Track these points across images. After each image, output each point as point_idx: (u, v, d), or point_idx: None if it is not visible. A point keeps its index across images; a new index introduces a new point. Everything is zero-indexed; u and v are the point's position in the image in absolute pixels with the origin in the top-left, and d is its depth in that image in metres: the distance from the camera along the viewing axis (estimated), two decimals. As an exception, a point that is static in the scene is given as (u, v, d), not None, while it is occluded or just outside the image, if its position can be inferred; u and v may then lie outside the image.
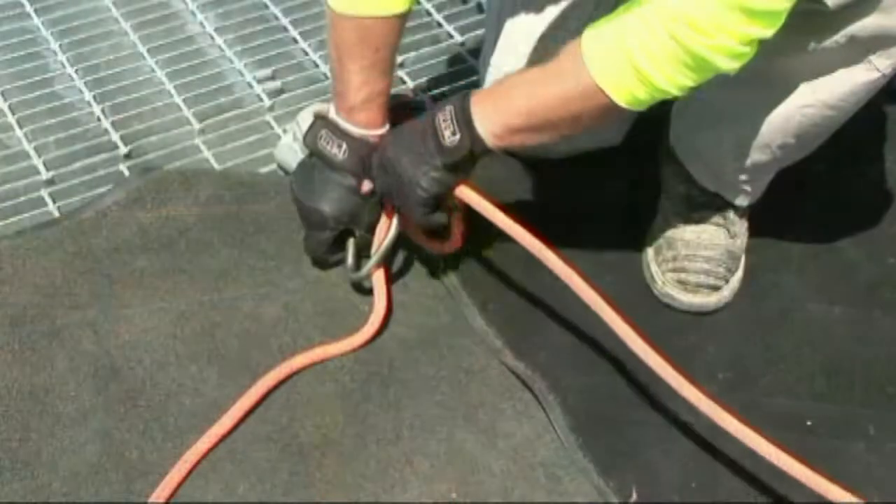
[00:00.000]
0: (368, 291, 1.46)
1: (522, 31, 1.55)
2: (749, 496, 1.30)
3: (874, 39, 1.21)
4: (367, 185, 1.39)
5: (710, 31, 1.09)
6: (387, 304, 1.43)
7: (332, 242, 1.45)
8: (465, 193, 1.34)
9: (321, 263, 1.49)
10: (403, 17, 1.34)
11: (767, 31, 1.11)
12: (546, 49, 1.54)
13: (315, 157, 1.42)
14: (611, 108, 1.19)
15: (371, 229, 1.43)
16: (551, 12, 1.52)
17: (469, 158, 1.30)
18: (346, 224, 1.42)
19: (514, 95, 1.26)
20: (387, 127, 1.41)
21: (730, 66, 1.13)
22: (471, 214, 1.39)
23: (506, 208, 1.34)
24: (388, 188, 1.35)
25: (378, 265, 1.43)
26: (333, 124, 1.40)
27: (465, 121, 1.27)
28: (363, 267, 1.44)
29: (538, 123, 1.25)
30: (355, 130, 1.39)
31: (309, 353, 1.40)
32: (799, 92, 1.30)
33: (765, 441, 1.23)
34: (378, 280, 1.44)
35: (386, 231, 1.42)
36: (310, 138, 1.42)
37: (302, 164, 1.46)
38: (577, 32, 1.50)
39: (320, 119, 1.42)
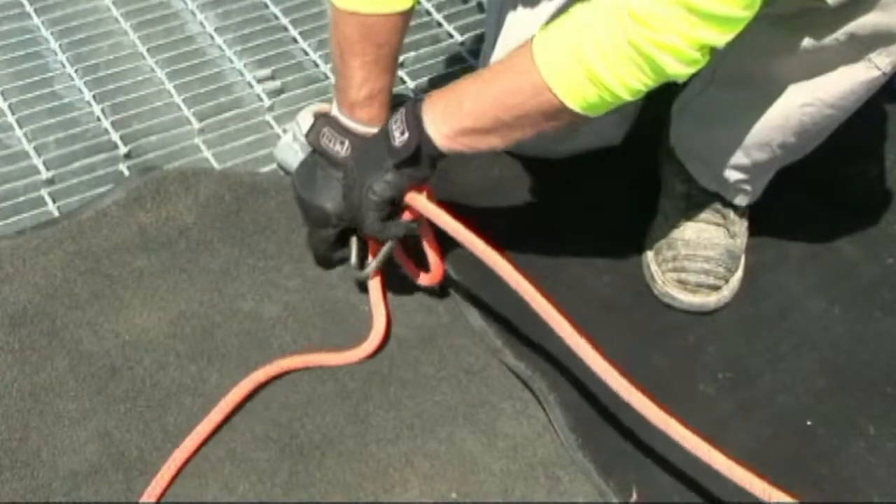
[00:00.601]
0: (366, 290, 1.46)
1: (522, 31, 1.55)
2: (748, 496, 1.30)
3: (874, 37, 1.21)
4: None
5: (660, 27, 1.07)
6: (386, 322, 1.43)
7: (334, 240, 1.44)
8: (415, 200, 1.32)
9: (324, 262, 1.49)
10: (407, 14, 1.34)
11: (720, 38, 1.08)
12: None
13: (317, 154, 1.42)
14: (561, 110, 1.16)
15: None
16: (550, 12, 1.52)
17: (419, 160, 1.27)
18: (348, 222, 1.41)
19: (464, 95, 1.24)
20: None
21: (679, 70, 1.10)
22: (443, 241, 1.38)
23: (459, 216, 1.32)
24: (351, 202, 1.33)
25: (380, 267, 1.43)
26: (335, 121, 1.39)
27: (414, 121, 1.26)
28: (367, 266, 1.43)
29: (488, 124, 1.23)
30: (357, 127, 1.38)
31: (306, 357, 1.40)
32: (799, 90, 1.30)
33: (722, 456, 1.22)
34: (375, 293, 1.44)
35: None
36: (312, 135, 1.41)
37: (304, 163, 1.46)
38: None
39: (322, 117, 1.41)
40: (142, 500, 1.25)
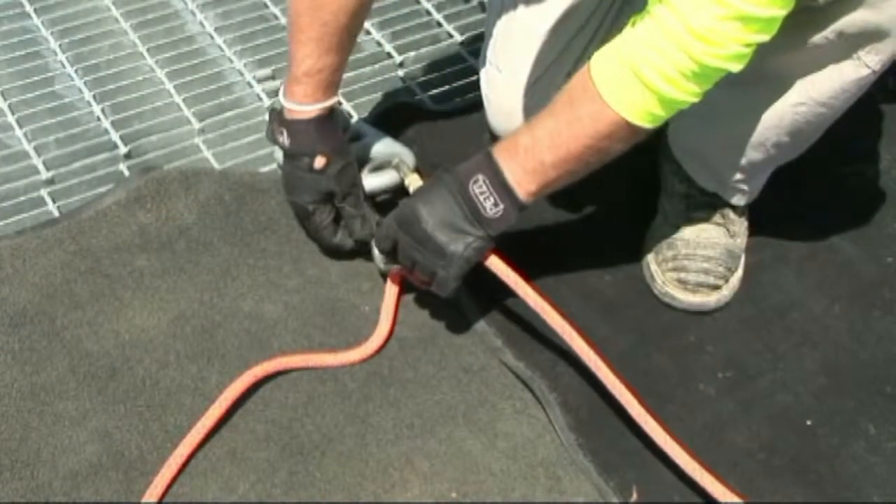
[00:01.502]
0: (368, 292, 1.46)
1: (522, 31, 1.55)
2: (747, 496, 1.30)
3: (862, 35, 1.21)
4: (319, 161, 1.41)
5: (722, 41, 1.12)
6: (391, 325, 1.43)
7: (327, 224, 1.45)
8: (496, 266, 1.34)
9: (332, 250, 1.49)
10: (365, 1, 1.35)
11: (767, 36, 1.13)
12: (546, 48, 1.54)
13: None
14: (636, 131, 1.20)
15: (350, 193, 1.44)
16: (552, 12, 1.52)
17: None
18: (321, 202, 1.44)
19: (540, 147, 1.25)
20: (332, 100, 1.41)
21: (737, 68, 1.15)
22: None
23: (529, 278, 1.35)
24: (413, 258, 1.33)
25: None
26: (278, 113, 1.42)
27: (504, 190, 1.26)
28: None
29: (571, 168, 1.25)
30: (292, 108, 1.40)
31: (306, 356, 1.40)
32: (791, 90, 1.30)
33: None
34: (390, 297, 1.45)
35: None
36: (268, 133, 1.45)
37: (281, 164, 1.49)
38: (578, 31, 1.52)
39: (272, 111, 1.44)
40: (143, 500, 1.25)
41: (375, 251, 1.43)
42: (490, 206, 1.27)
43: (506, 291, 1.39)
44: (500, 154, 1.28)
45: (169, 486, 1.27)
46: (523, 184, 1.26)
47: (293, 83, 1.39)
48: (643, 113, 1.18)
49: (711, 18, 1.10)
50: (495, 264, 1.34)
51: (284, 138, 1.41)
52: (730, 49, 1.12)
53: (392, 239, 1.34)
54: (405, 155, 1.52)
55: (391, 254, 1.37)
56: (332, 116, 1.43)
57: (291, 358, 1.39)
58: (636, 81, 1.16)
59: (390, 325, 1.43)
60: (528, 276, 1.34)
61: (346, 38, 1.38)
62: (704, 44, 1.12)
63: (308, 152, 1.41)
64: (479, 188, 1.27)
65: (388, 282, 1.45)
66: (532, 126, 1.27)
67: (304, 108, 1.40)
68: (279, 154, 1.62)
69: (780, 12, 1.11)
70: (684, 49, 1.13)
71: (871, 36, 1.21)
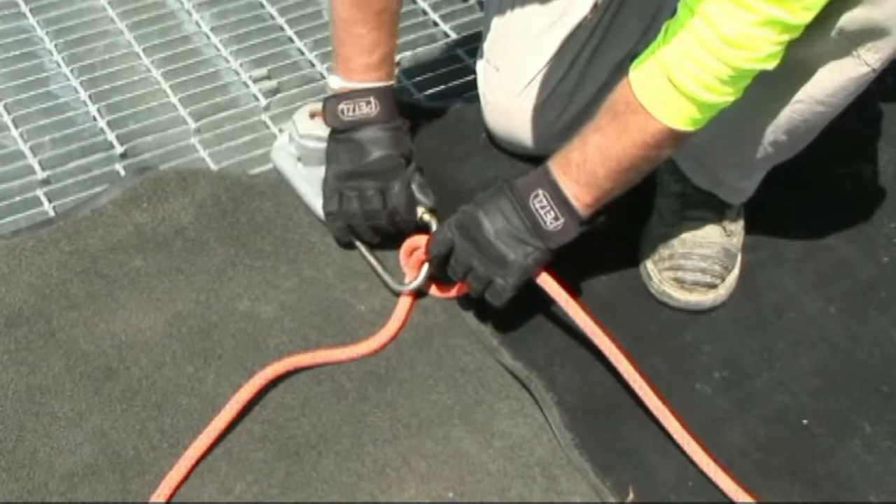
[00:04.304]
0: (364, 292, 1.46)
1: (520, 30, 1.55)
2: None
3: (862, 32, 1.21)
4: (401, 121, 1.47)
5: (756, 46, 1.15)
6: (400, 326, 1.44)
7: (404, 190, 1.45)
8: (547, 284, 1.37)
9: (368, 232, 1.49)
10: None
11: (798, 33, 1.16)
12: (543, 48, 1.54)
13: (345, 134, 1.46)
14: (682, 136, 1.24)
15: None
16: (549, 12, 1.52)
17: None
18: (404, 160, 1.46)
19: (592, 165, 1.28)
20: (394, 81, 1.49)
21: (773, 65, 1.18)
22: None
23: (576, 295, 1.38)
24: (471, 264, 1.36)
25: (421, 286, 1.46)
26: (348, 92, 1.44)
27: (564, 205, 1.31)
28: (412, 282, 1.45)
29: (624, 178, 1.30)
30: (376, 85, 1.44)
31: (314, 354, 1.39)
32: (789, 88, 1.30)
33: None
34: (404, 302, 1.45)
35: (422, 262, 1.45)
36: (331, 119, 1.46)
37: (332, 151, 1.49)
38: (574, 31, 1.52)
39: (329, 99, 1.46)
40: (152, 500, 1.25)
41: (386, 276, 1.46)
42: (551, 219, 1.31)
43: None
44: (556, 170, 1.31)
45: (177, 488, 1.27)
46: (580, 197, 1.31)
47: (369, 70, 1.44)
48: (686, 119, 1.22)
49: (743, 24, 1.13)
50: (547, 282, 1.36)
51: (372, 106, 1.44)
52: (763, 51, 1.15)
53: (449, 244, 1.37)
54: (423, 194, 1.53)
55: (443, 261, 1.39)
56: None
57: (300, 357, 1.39)
58: (675, 92, 1.19)
59: (400, 324, 1.43)
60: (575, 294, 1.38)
61: (399, 17, 1.45)
62: (738, 49, 1.15)
63: (395, 115, 1.46)
64: (540, 202, 1.31)
65: (402, 296, 1.46)
66: (582, 142, 1.30)
67: (386, 84, 1.46)
68: (275, 155, 1.63)
69: (810, 15, 1.14)
70: (719, 56, 1.15)
71: (871, 34, 1.21)
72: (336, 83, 1.45)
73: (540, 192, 1.31)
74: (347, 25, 1.41)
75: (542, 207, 1.31)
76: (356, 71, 1.44)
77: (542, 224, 1.32)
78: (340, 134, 1.46)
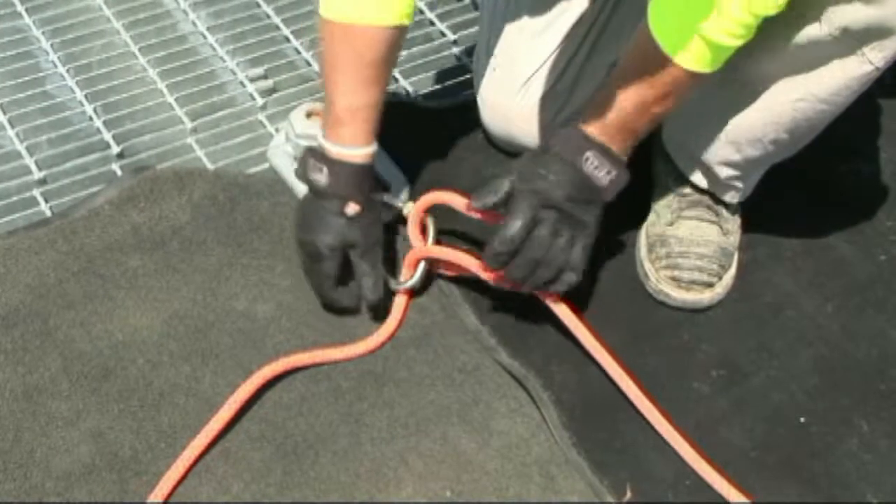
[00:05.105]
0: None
1: (516, 29, 1.55)
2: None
3: (867, 31, 1.20)
4: (352, 207, 1.36)
5: None
6: (397, 325, 1.43)
7: (333, 275, 1.40)
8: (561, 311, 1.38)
9: (330, 303, 1.44)
10: (399, 30, 1.32)
11: None
12: (540, 47, 1.54)
13: (308, 189, 1.39)
14: (703, 77, 1.22)
15: (370, 251, 1.40)
16: (546, 11, 1.52)
17: None
18: (339, 249, 1.38)
19: (625, 113, 1.28)
20: (373, 147, 1.37)
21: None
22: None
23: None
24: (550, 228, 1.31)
25: (416, 285, 1.45)
26: (318, 151, 1.37)
27: (611, 158, 1.30)
28: (406, 282, 1.44)
29: (651, 125, 1.30)
30: (335, 151, 1.35)
31: (312, 353, 1.39)
32: (791, 86, 1.30)
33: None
34: (400, 300, 1.45)
35: (415, 263, 1.44)
36: (300, 170, 1.40)
37: (300, 203, 1.43)
38: (571, 30, 1.52)
39: (308, 149, 1.39)
40: (149, 500, 1.25)
41: (391, 282, 1.44)
42: (603, 174, 1.30)
43: (502, 292, 1.39)
44: (596, 132, 1.30)
45: (175, 488, 1.27)
46: (623, 148, 1.31)
47: (336, 125, 1.35)
48: (707, 62, 1.21)
49: None
50: (563, 312, 1.36)
51: (324, 176, 1.35)
52: None
53: (528, 225, 1.30)
54: (398, 183, 1.53)
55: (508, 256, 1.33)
56: (372, 164, 1.39)
57: (298, 356, 1.38)
58: (701, 41, 1.18)
59: (397, 323, 1.43)
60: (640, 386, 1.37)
61: (384, 70, 1.35)
62: None
63: (343, 196, 1.36)
64: (592, 164, 1.29)
65: (398, 295, 1.46)
66: (608, 89, 1.28)
67: (351, 151, 1.36)
68: (271, 155, 1.63)
69: None
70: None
71: (875, 33, 1.20)
72: (318, 137, 1.39)
73: (589, 154, 1.29)
74: (328, 65, 1.33)
75: (596, 168, 1.29)
76: (327, 124, 1.36)
77: (597, 181, 1.30)
78: (308, 192, 1.40)
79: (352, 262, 1.40)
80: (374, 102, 1.36)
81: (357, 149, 1.36)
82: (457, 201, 1.39)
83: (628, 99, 1.27)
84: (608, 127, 1.29)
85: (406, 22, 1.32)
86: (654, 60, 1.22)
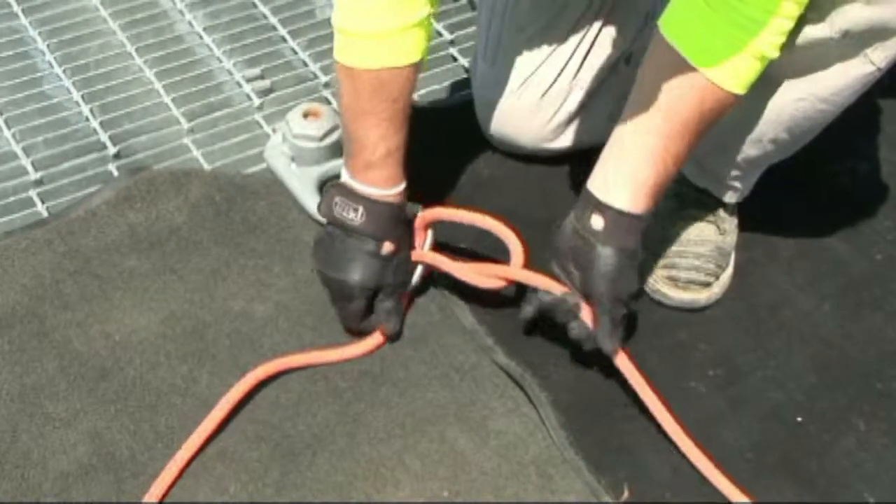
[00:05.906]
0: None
1: (514, 30, 1.55)
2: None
3: (869, 33, 1.20)
4: (387, 247, 1.36)
5: None
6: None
7: (362, 314, 1.40)
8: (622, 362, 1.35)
9: (356, 332, 1.43)
10: (418, 65, 1.32)
11: None
12: (537, 48, 1.54)
13: (332, 226, 1.37)
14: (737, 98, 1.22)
15: (398, 290, 1.41)
16: (544, 12, 1.52)
17: None
18: (372, 290, 1.38)
19: (669, 178, 1.28)
20: (404, 184, 1.37)
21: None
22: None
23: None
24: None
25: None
26: (347, 189, 1.35)
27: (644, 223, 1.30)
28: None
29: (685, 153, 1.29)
30: (372, 191, 1.34)
31: (307, 354, 1.39)
32: (792, 86, 1.29)
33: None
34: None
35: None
36: (324, 208, 1.37)
37: (320, 238, 1.41)
38: (569, 31, 1.52)
39: (333, 186, 1.38)
40: (145, 500, 1.25)
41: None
42: (636, 241, 1.30)
43: (498, 292, 1.39)
44: (633, 206, 1.28)
45: (169, 489, 1.26)
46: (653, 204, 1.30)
47: (367, 168, 1.33)
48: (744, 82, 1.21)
49: None
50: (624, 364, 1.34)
51: (358, 216, 1.33)
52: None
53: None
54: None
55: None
56: (405, 201, 1.39)
57: (293, 357, 1.38)
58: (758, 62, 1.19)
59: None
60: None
61: (409, 106, 1.35)
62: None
63: (379, 236, 1.35)
64: (636, 242, 1.30)
65: None
66: (657, 164, 1.27)
67: (386, 192, 1.35)
68: (268, 155, 1.62)
69: None
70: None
71: (878, 33, 1.20)
72: (343, 175, 1.37)
73: (631, 240, 1.29)
74: (355, 112, 1.32)
75: (637, 241, 1.30)
76: (357, 168, 1.34)
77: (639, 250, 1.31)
78: (329, 225, 1.38)
79: (378, 297, 1.40)
80: (404, 143, 1.36)
81: (392, 189, 1.36)
82: (464, 217, 1.40)
83: (673, 157, 1.26)
84: (651, 194, 1.28)
85: (427, 54, 1.33)
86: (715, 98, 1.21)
